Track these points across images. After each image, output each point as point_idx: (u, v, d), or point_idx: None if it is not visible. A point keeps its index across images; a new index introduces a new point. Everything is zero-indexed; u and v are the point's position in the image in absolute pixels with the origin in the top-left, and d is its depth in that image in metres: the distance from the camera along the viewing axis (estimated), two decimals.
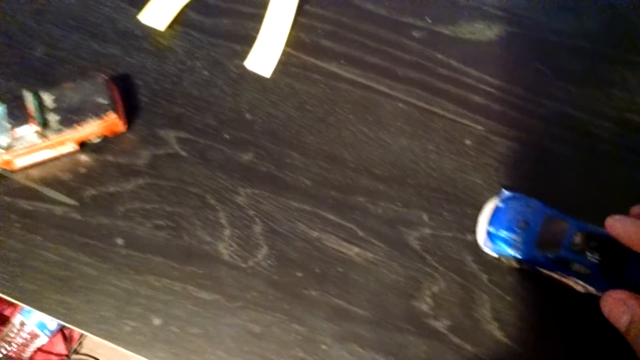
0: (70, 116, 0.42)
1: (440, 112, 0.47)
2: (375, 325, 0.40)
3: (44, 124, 0.41)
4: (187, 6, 0.49)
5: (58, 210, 0.42)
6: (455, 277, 0.41)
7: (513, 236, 0.38)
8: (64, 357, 1.40)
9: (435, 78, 0.48)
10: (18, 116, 0.41)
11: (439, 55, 0.48)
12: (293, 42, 0.48)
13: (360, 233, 0.42)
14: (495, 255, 0.40)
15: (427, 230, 0.42)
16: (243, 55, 0.48)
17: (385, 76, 0.48)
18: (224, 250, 0.42)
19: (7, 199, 0.42)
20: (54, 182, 0.43)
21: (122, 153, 0.44)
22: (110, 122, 0.43)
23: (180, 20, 0.49)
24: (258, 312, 0.40)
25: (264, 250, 0.42)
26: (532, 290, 0.40)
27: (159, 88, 0.46)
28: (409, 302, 0.40)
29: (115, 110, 0.43)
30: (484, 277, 0.41)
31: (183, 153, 0.44)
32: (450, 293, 0.40)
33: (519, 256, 0.38)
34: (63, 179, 0.43)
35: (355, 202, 0.43)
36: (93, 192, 0.43)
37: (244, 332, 0.39)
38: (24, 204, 0.42)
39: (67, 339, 1.44)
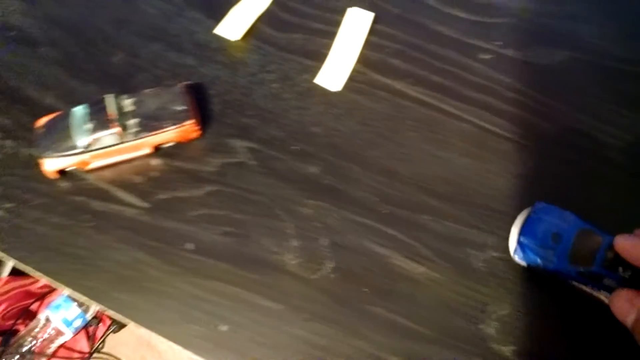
0: (149, 121, 0.43)
1: (504, 133, 0.47)
2: (440, 346, 0.40)
3: (124, 128, 0.42)
4: (260, 20, 0.50)
5: (129, 212, 0.43)
6: (521, 301, 0.41)
7: (545, 248, 0.39)
8: (86, 355, 1.41)
9: (500, 100, 0.48)
10: (99, 118, 0.42)
11: (505, 78, 0.49)
12: (362, 59, 0.49)
13: (425, 252, 0.42)
14: (525, 264, 0.41)
15: (493, 253, 0.42)
16: (312, 70, 0.49)
17: (450, 96, 0.49)
18: (290, 261, 0.42)
19: (80, 198, 0.44)
20: (126, 184, 0.44)
21: (193, 160, 0.45)
22: (186, 129, 0.44)
23: (253, 33, 0.50)
24: (323, 325, 0.40)
25: (330, 263, 0.42)
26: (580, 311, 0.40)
27: (230, 98, 0.47)
28: (474, 325, 0.40)
29: (192, 118, 0.44)
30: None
31: (251, 162, 0.45)
32: (516, 317, 0.40)
33: (549, 268, 0.39)
34: (135, 181, 0.44)
35: (419, 220, 0.44)
36: (163, 196, 0.44)
37: (309, 344, 0.40)
38: (96, 204, 0.43)
39: (89, 337, 1.45)
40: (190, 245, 0.42)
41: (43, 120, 0.44)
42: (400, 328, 0.40)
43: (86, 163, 0.43)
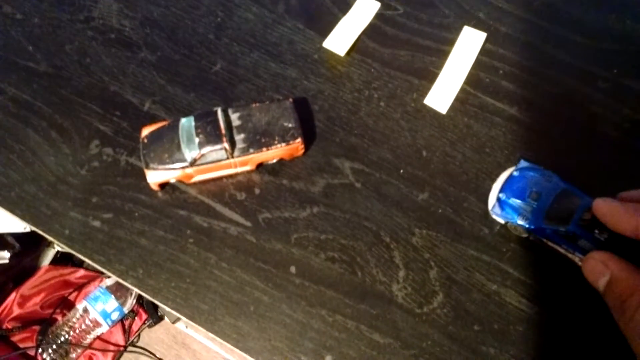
0: (257, 137, 0.41)
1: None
2: None
3: (232, 143, 0.41)
4: (364, 33, 0.48)
5: (233, 230, 0.42)
6: None
7: (523, 205, 0.38)
8: (121, 348, 1.41)
9: (619, 132, 0.46)
10: (208, 132, 0.40)
11: (625, 109, 0.46)
12: (472, 80, 0.47)
13: (542, 292, 0.40)
14: (502, 221, 0.40)
15: None
16: (421, 90, 0.46)
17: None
18: (398, 292, 0.40)
19: (183, 212, 0.42)
20: (229, 201, 0.42)
21: (298, 178, 0.43)
22: (293, 147, 0.42)
23: (358, 48, 0.48)
24: (433, 356, 0.38)
25: (440, 297, 0.40)
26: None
27: (335, 115, 0.45)
28: None
29: (300, 136, 0.42)
30: None
31: (358, 185, 0.43)
32: None
33: (526, 225, 0.38)
34: (238, 198, 0.43)
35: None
36: (267, 215, 0.42)
37: None
38: (199, 220, 0.42)
39: (125, 330, 1.45)
40: (294, 269, 0.40)
41: (148, 130, 0.42)
42: None
43: (190, 176, 0.42)
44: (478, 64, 0.47)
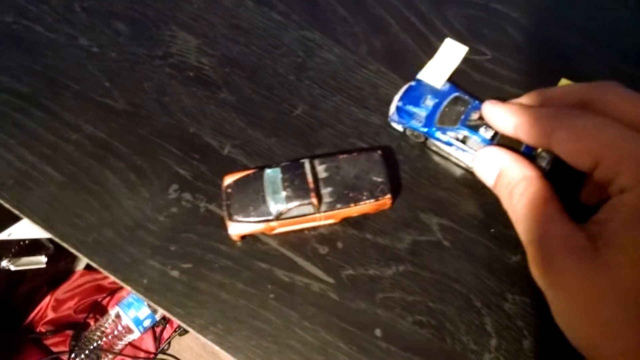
0: (345, 192, 0.40)
1: None
2: None
3: (319, 198, 0.39)
4: (451, 79, 0.45)
5: (315, 286, 0.40)
6: None
7: (417, 110, 0.42)
8: (151, 355, 1.41)
9: None
10: (295, 185, 0.39)
11: None
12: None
13: None
14: (400, 128, 0.43)
15: None
16: None
17: None
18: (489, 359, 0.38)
19: (264, 265, 0.41)
20: (312, 255, 0.41)
21: (382, 233, 0.41)
22: (381, 203, 0.40)
23: None
24: None
25: None
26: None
27: (421, 166, 0.43)
28: None
29: (390, 192, 0.40)
30: None
31: (446, 243, 0.41)
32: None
33: (419, 129, 0.41)
34: (320, 252, 0.41)
35: None
36: (351, 271, 0.40)
37: None
38: (280, 274, 0.40)
39: (156, 337, 1.45)
40: (379, 332, 0.39)
41: (231, 179, 0.41)
42: None
43: (272, 228, 0.40)
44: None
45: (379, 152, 0.41)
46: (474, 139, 0.40)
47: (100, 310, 1.39)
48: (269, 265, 0.40)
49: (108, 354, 1.33)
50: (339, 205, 0.39)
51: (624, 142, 0.27)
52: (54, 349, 1.31)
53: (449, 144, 0.41)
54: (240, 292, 0.40)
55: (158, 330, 1.42)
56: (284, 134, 0.44)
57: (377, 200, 0.40)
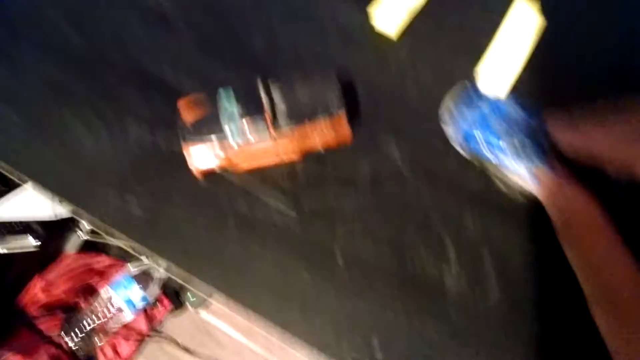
0: (300, 111, 0.39)
1: None
2: None
3: (274, 116, 0.39)
4: (413, 12, 0.45)
5: (278, 219, 0.40)
6: None
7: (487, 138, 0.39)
8: (144, 335, 1.42)
9: None
10: (249, 107, 0.39)
11: None
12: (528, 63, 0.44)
13: None
14: (466, 155, 0.41)
15: None
16: (467, 66, 0.44)
17: None
18: (451, 285, 0.38)
19: (226, 200, 0.41)
20: (274, 189, 0.41)
21: (344, 166, 0.41)
22: (338, 126, 0.40)
23: (405, 25, 0.45)
24: (492, 357, 0.36)
25: (494, 291, 0.38)
26: None
27: (379, 95, 0.43)
28: None
29: (343, 109, 0.40)
30: None
31: (407, 173, 0.41)
32: None
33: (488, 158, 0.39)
34: (283, 187, 0.41)
35: None
36: (313, 204, 0.40)
37: None
38: (243, 208, 0.40)
39: (149, 318, 1.45)
40: (341, 260, 0.39)
41: (187, 110, 0.40)
42: None
43: (234, 164, 0.40)
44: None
45: (334, 73, 0.40)
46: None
47: (91, 293, 1.39)
48: (232, 200, 0.40)
49: (101, 335, 1.34)
50: (294, 122, 0.39)
51: None
52: (46, 332, 1.31)
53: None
54: (203, 226, 0.40)
55: (150, 310, 1.42)
56: (242, 66, 0.44)
57: (332, 117, 0.39)
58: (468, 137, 0.39)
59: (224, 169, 0.40)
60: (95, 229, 1.38)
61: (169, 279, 1.49)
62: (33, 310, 1.32)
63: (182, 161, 0.40)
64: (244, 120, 0.38)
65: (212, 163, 0.40)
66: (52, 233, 1.33)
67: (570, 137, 0.32)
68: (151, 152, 0.42)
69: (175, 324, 1.47)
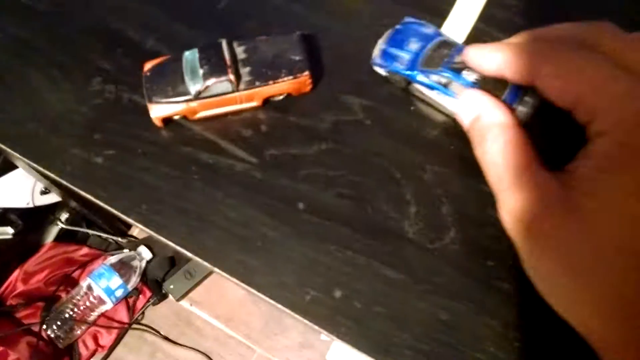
0: (263, 70, 0.40)
1: None
2: None
3: (237, 76, 0.39)
4: None
5: (239, 166, 0.40)
6: None
7: (401, 53, 0.41)
8: (125, 325, 1.41)
9: None
10: (212, 64, 0.39)
11: None
12: (485, 17, 0.45)
13: None
14: (384, 72, 0.42)
15: None
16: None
17: None
18: (410, 228, 0.39)
19: (187, 149, 0.41)
20: (235, 137, 0.41)
21: (305, 115, 0.42)
22: (300, 81, 0.41)
23: None
24: (446, 298, 0.37)
25: (452, 232, 0.39)
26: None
27: (343, 52, 0.44)
28: None
29: (308, 69, 0.40)
30: None
31: (367, 122, 0.42)
32: None
33: (402, 72, 0.40)
34: (244, 135, 0.41)
35: None
36: (274, 151, 0.41)
37: (431, 318, 0.37)
38: (204, 157, 0.41)
39: (129, 307, 1.45)
40: (303, 205, 0.39)
41: (151, 64, 0.41)
42: (529, 305, 0.37)
43: (194, 112, 0.40)
44: (492, 2, 0.46)
45: (297, 33, 0.41)
46: (456, 83, 0.38)
47: (71, 283, 1.39)
48: (193, 149, 0.41)
49: (81, 325, 1.33)
50: (258, 83, 0.40)
51: (606, 81, 0.25)
52: (25, 321, 1.30)
53: (432, 87, 0.39)
54: (164, 175, 0.40)
55: (131, 300, 1.41)
56: (207, 26, 0.45)
57: (295, 77, 0.40)
58: (386, 55, 0.42)
59: (184, 117, 0.41)
60: (71, 217, 1.37)
61: (149, 268, 1.48)
62: (12, 300, 1.30)
63: (144, 112, 0.41)
64: (208, 82, 0.38)
65: (173, 113, 0.40)
66: (30, 223, 1.32)
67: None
68: (113, 103, 0.42)
69: (156, 314, 1.46)
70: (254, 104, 0.41)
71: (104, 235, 1.41)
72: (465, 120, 0.32)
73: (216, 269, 0.38)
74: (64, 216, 1.37)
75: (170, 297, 1.42)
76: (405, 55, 0.41)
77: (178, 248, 0.39)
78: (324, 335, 0.37)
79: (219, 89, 0.39)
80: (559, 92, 0.27)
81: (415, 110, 0.42)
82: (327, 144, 0.41)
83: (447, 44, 0.40)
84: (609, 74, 0.25)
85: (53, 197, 1.27)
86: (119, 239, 1.42)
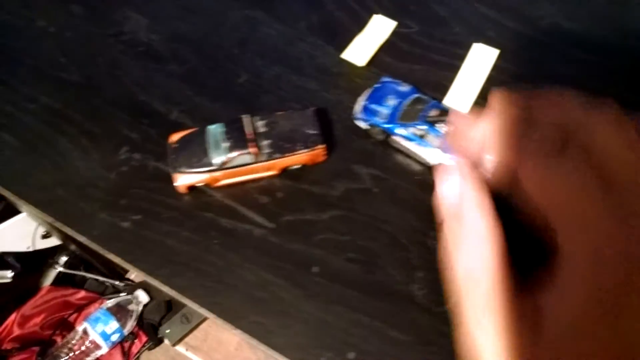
0: (281, 143, 0.44)
1: None
2: None
3: (259, 148, 0.43)
4: (381, 49, 0.51)
5: (256, 231, 0.43)
6: None
7: (381, 108, 0.45)
8: None
9: None
10: (235, 137, 0.43)
11: None
12: (483, 94, 0.49)
13: None
14: (365, 126, 0.46)
15: None
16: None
17: None
18: (417, 291, 0.42)
19: (208, 214, 0.44)
20: (253, 204, 0.44)
21: (318, 183, 0.45)
22: (316, 153, 0.44)
23: (375, 62, 0.51)
24: (452, 359, 0.39)
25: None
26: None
27: (352, 124, 0.48)
28: None
29: (323, 142, 0.44)
30: None
31: (375, 190, 0.45)
32: None
33: (383, 125, 0.44)
34: (261, 201, 0.44)
35: None
36: (289, 217, 0.44)
37: None
38: (224, 222, 0.44)
39: (125, 352, 1.43)
40: (316, 269, 0.42)
41: (177, 136, 0.44)
42: None
43: (216, 180, 0.44)
44: (490, 79, 0.50)
45: (312, 109, 0.45)
46: (431, 134, 0.43)
47: (67, 327, 1.38)
48: (213, 215, 0.44)
49: None
50: (277, 155, 0.43)
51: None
52: None
53: (410, 139, 0.44)
54: (186, 239, 0.43)
55: (127, 345, 1.40)
56: (228, 100, 0.48)
57: (311, 150, 0.44)
58: (366, 110, 0.46)
59: (206, 185, 0.44)
60: (72, 262, 1.37)
61: (146, 312, 1.48)
62: (7, 344, 1.29)
63: (167, 179, 0.44)
64: (231, 154, 0.42)
65: (197, 181, 0.43)
66: (29, 266, 1.32)
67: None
68: (139, 170, 0.45)
69: (151, 359, 1.45)
70: (271, 172, 0.45)
71: (102, 278, 1.41)
72: (440, 200, 0.25)
73: (236, 330, 0.40)
74: (63, 259, 1.37)
75: (166, 341, 1.41)
76: (384, 110, 0.46)
77: (199, 309, 0.41)
78: None
79: (240, 160, 0.43)
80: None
81: (418, 180, 0.46)
82: (338, 210, 0.44)
83: (421, 100, 0.45)
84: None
85: (53, 241, 1.28)
86: (117, 282, 1.42)
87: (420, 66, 0.51)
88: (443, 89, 0.50)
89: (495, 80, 0.50)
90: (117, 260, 0.42)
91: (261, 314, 0.41)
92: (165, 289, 0.41)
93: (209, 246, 0.43)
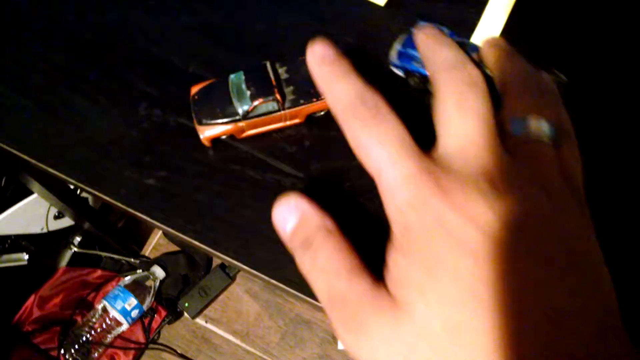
0: (306, 89, 0.42)
1: None
2: None
3: (282, 95, 0.41)
4: None
5: (286, 181, 0.42)
6: None
7: (418, 53, 0.41)
8: (142, 345, 1.41)
9: None
10: (258, 85, 0.41)
11: None
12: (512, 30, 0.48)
13: None
14: (402, 74, 0.45)
15: None
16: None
17: None
18: None
19: (236, 167, 0.43)
20: (281, 154, 0.43)
21: None
22: None
23: (396, 2, 0.49)
24: None
25: None
26: None
27: (379, 69, 0.46)
28: None
29: None
30: None
31: None
32: None
33: (421, 70, 0.43)
34: (289, 151, 0.43)
35: None
36: (318, 165, 0.43)
37: None
38: (253, 173, 0.42)
39: (145, 328, 1.45)
40: (346, 215, 0.41)
41: (197, 88, 0.43)
42: None
43: (241, 131, 0.42)
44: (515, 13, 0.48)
45: None
46: None
47: (86, 306, 1.39)
48: (241, 166, 0.43)
49: (98, 347, 1.33)
50: (302, 102, 0.42)
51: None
52: (43, 346, 1.30)
53: None
54: (215, 193, 0.42)
55: (147, 320, 1.42)
56: (245, 50, 0.47)
57: None
58: (402, 56, 0.44)
59: (231, 137, 0.43)
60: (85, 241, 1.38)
61: (163, 288, 1.49)
62: (28, 326, 1.31)
63: (191, 134, 0.43)
64: (255, 102, 0.40)
65: (222, 132, 0.42)
66: (44, 248, 1.33)
67: None
68: (161, 126, 0.44)
69: (171, 333, 1.47)
70: (297, 121, 0.43)
71: (117, 256, 1.41)
72: (285, 228, 0.29)
73: (273, 281, 0.39)
74: (77, 239, 1.37)
75: (186, 315, 1.43)
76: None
77: (234, 262, 0.40)
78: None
79: (265, 108, 0.41)
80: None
81: None
82: None
83: (462, 44, 0.42)
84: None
85: (67, 221, 1.28)
86: (132, 260, 1.42)
87: (443, 4, 0.49)
88: (468, 27, 0.48)
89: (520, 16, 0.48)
90: (147, 219, 0.41)
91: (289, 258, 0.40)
92: (198, 244, 0.40)
93: (239, 198, 0.42)
